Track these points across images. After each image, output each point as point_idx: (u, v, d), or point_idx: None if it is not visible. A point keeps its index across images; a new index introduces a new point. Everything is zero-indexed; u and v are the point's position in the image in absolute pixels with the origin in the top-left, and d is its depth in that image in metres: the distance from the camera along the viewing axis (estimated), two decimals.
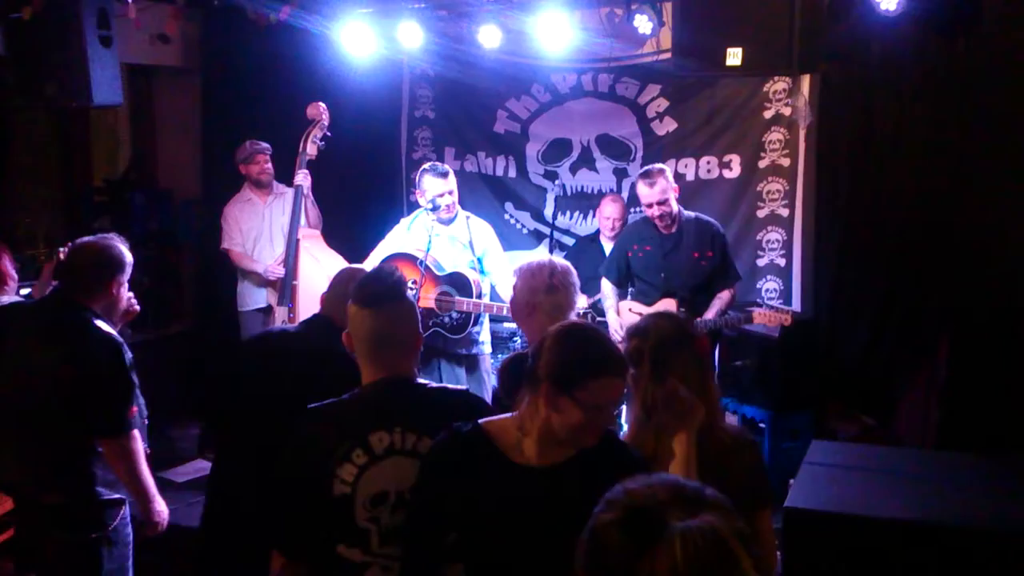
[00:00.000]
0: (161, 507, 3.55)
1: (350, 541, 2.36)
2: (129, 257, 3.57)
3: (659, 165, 5.27)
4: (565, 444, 2.18)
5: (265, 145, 6.00)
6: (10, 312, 3.77)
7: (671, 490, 1.43)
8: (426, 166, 5.22)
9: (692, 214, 5.29)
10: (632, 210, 6.52)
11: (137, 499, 3.47)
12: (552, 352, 2.17)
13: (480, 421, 2.27)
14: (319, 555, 2.40)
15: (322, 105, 5.58)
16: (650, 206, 5.12)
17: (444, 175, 5.11)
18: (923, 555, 3.04)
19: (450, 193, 5.09)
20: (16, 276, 4.31)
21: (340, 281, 3.35)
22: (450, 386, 2.67)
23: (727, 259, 5.27)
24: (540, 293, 3.20)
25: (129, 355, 3.42)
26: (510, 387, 2.72)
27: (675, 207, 5.16)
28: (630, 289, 5.52)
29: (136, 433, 3.39)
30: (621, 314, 5.37)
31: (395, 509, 2.35)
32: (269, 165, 6.00)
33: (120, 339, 3.44)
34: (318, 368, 3.04)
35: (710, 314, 5.08)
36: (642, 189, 5.14)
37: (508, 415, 2.27)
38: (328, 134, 5.60)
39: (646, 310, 5.11)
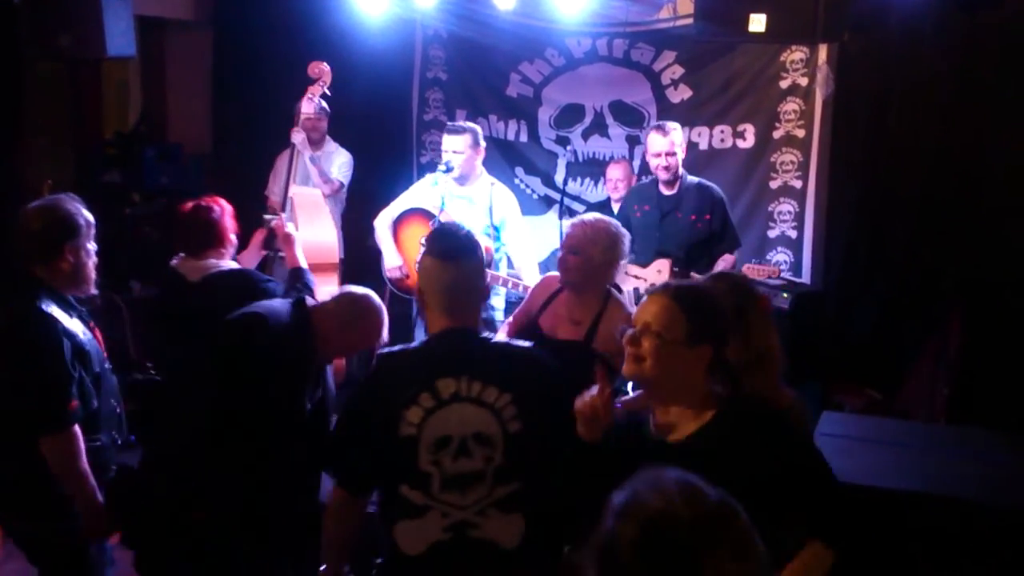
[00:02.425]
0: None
1: (412, 483, 2.43)
2: (86, 218, 3.11)
3: (675, 123, 5.27)
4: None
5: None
6: None
7: (690, 504, 1.37)
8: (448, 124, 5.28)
9: (695, 179, 5.27)
10: (644, 177, 6.51)
11: (77, 500, 2.99)
12: None
13: None
14: (382, 493, 2.48)
15: (324, 65, 5.46)
16: (658, 155, 5.10)
17: (458, 132, 5.07)
18: (933, 526, 3.08)
19: (456, 152, 5.00)
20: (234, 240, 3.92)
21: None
22: (515, 341, 2.68)
23: (727, 224, 5.24)
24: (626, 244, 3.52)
25: (73, 342, 2.99)
26: None
27: (679, 166, 5.15)
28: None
29: (76, 430, 2.96)
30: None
31: (457, 455, 2.41)
32: (323, 123, 6.14)
33: (64, 326, 2.99)
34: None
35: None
36: (654, 137, 5.13)
37: None
38: (327, 93, 5.50)
39: (642, 272, 5.13)
